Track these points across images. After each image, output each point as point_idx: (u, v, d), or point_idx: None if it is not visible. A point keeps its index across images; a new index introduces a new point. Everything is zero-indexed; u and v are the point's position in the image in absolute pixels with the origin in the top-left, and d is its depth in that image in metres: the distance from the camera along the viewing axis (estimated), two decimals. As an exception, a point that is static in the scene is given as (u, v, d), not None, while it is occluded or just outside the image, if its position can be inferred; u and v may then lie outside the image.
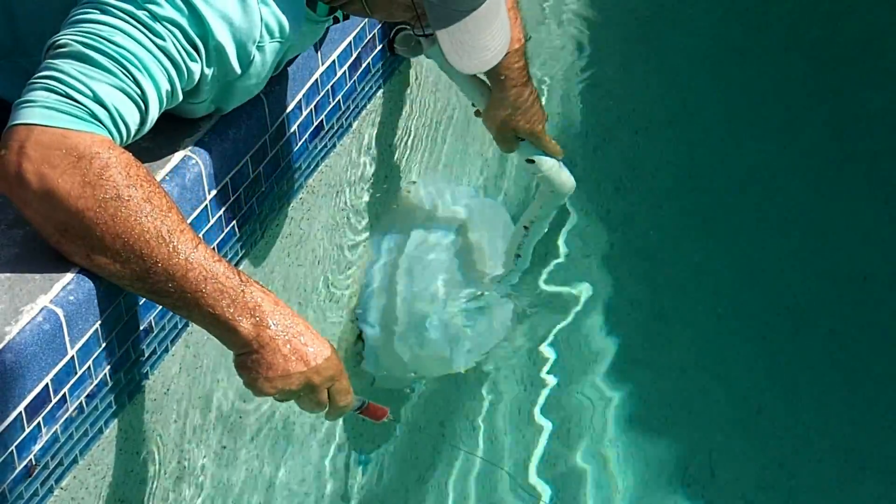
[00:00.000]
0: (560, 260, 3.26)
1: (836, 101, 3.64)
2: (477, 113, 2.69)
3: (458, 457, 2.90)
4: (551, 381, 3.09)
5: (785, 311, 3.28)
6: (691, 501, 2.95)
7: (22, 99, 1.79)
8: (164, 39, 1.84)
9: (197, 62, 1.89)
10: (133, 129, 1.84)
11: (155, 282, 1.79)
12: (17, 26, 2.08)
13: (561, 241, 3.29)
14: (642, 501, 2.95)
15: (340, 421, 2.60)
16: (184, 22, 1.85)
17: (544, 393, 3.06)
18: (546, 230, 2.84)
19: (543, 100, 3.31)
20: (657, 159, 3.50)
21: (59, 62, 1.80)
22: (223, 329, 1.83)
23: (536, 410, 3.03)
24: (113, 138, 1.80)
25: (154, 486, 2.09)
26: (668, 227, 3.39)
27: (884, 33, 3.76)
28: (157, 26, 1.84)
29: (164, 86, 1.86)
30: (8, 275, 1.80)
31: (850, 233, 3.39)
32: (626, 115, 3.56)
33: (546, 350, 3.12)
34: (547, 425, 3.01)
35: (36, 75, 1.81)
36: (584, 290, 3.23)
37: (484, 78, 2.61)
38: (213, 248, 1.84)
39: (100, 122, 1.79)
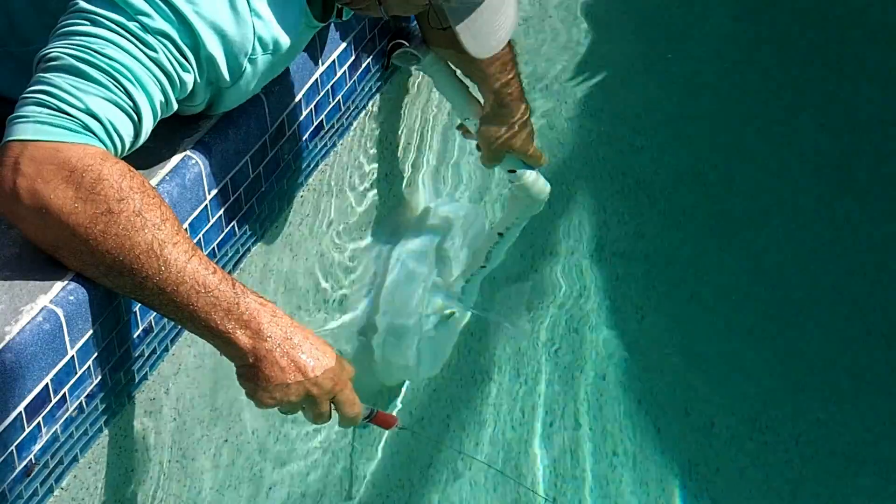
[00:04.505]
0: (561, 260, 3.26)
1: (837, 101, 3.64)
2: (459, 127, 2.69)
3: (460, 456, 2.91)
4: (552, 380, 3.09)
5: (786, 309, 3.28)
6: (696, 495, 2.95)
7: (15, 114, 1.78)
8: (156, 51, 1.83)
9: (189, 73, 1.88)
10: (128, 141, 1.83)
11: (148, 295, 1.79)
12: (13, 11, 2.07)
13: (561, 242, 3.29)
14: (647, 498, 2.95)
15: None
16: (174, 34, 1.84)
17: (546, 392, 3.07)
18: (517, 236, 2.82)
19: (544, 100, 3.32)
20: (658, 159, 3.50)
21: (50, 76, 1.79)
22: (220, 342, 1.84)
23: (539, 411, 3.03)
24: (107, 150, 1.79)
25: (154, 485, 2.09)
26: (669, 228, 3.39)
27: (885, 34, 3.76)
28: (149, 38, 1.82)
29: (158, 97, 1.85)
30: (8, 275, 1.80)
31: (853, 232, 3.40)
32: (627, 115, 3.56)
33: (546, 349, 3.12)
34: (549, 424, 3.02)
35: (28, 90, 1.80)
36: (584, 291, 3.23)
37: (478, 95, 2.60)
38: (210, 259, 1.83)
39: (93, 133, 1.78)
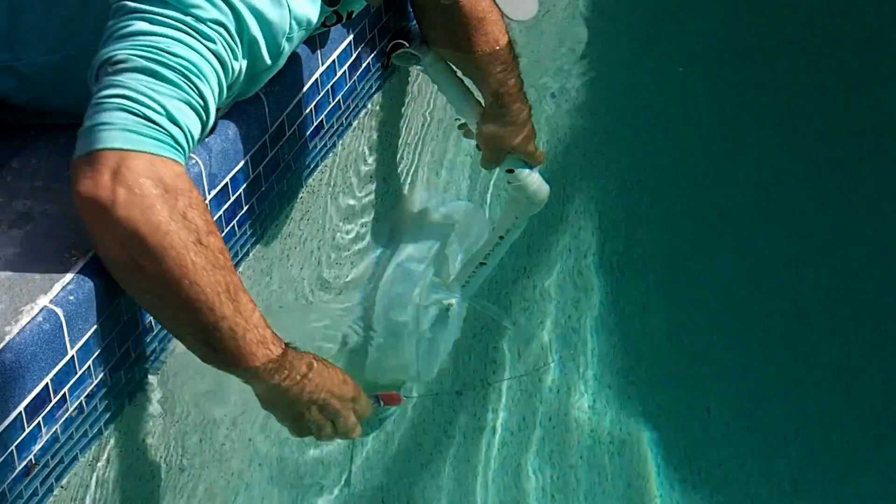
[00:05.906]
0: (561, 259, 3.27)
1: (838, 101, 3.65)
2: (460, 127, 2.69)
3: (462, 441, 2.91)
4: (552, 378, 3.09)
5: (786, 310, 3.28)
6: (698, 495, 2.96)
7: (97, 120, 1.73)
8: (214, 42, 1.82)
9: (238, 60, 1.88)
10: (196, 140, 1.82)
11: (212, 337, 1.77)
12: (18, 10, 2.06)
13: (561, 241, 3.29)
14: (648, 493, 2.95)
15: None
16: (226, 20, 1.83)
17: (546, 390, 3.07)
18: (516, 237, 2.82)
19: (543, 100, 3.32)
20: (658, 160, 3.50)
21: (124, 78, 1.75)
22: (270, 393, 1.89)
23: (539, 408, 3.04)
24: (185, 156, 1.78)
25: (154, 484, 2.09)
26: (669, 228, 3.40)
27: (884, 33, 3.76)
28: (206, 28, 1.81)
29: (216, 90, 1.84)
30: (8, 275, 1.80)
31: (851, 232, 3.40)
32: (628, 115, 3.56)
33: (546, 347, 3.13)
34: (548, 421, 3.02)
35: (103, 94, 1.75)
36: (584, 290, 3.24)
37: (477, 94, 2.60)
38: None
39: (178, 145, 1.76)
